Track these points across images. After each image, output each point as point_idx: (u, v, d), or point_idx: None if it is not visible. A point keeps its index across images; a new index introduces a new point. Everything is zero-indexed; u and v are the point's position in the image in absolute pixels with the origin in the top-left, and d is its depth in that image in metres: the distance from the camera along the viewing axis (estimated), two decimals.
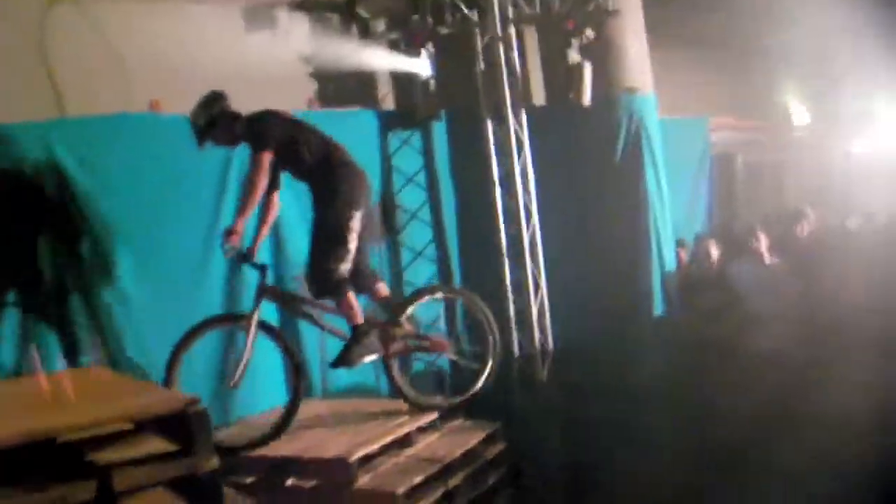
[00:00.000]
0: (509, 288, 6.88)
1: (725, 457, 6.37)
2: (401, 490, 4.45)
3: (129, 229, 5.34)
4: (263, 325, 4.97)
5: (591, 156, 7.19)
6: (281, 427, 4.90)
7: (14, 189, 5.03)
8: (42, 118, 5.27)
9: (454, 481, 4.89)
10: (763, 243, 7.09)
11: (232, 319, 5.17)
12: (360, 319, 5.07)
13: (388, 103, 7.07)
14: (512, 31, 6.82)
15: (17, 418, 2.60)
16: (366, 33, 6.72)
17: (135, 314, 5.36)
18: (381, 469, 4.76)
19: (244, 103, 5.66)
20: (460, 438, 5.27)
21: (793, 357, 6.57)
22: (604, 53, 6.95)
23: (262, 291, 4.99)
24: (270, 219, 5.24)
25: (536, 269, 6.87)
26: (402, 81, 6.84)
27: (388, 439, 4.92)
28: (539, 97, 7.57)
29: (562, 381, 6.93)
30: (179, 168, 5.53)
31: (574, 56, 6.61)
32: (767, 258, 7.09)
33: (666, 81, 8.48)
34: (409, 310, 5.38)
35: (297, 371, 5.03)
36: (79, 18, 5.62)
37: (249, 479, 4.80)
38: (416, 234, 7.00)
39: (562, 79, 6.79)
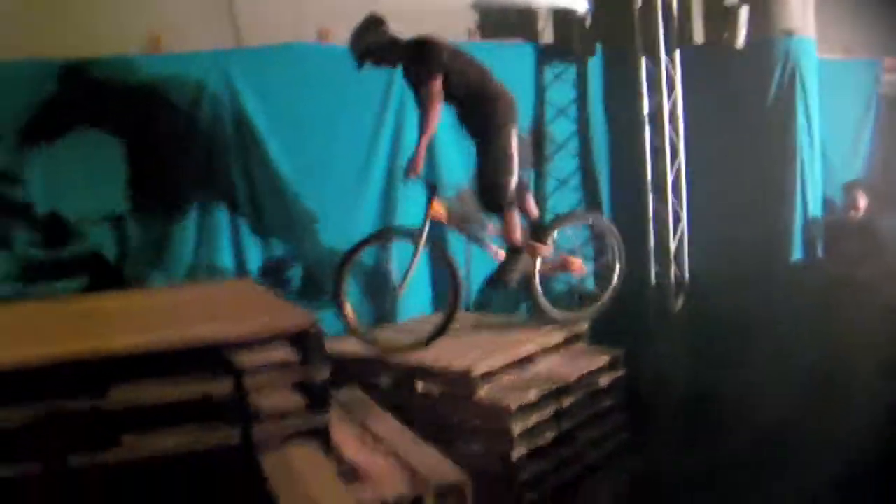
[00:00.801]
0: (651, 220, 7.17)
1: (845, 401, 6.55)
2: (514, 405, 4.83)
3: (297, 148, 5.94)
4: (430, 241, 5.41)
5: (744, 97, 7.20)
6: (435, 336, 5.34)
7: (194, 111, 5.71)
8: (221, 47, 5.84)
9: (567, 401, 5.24)
10: None
11: (405, 233, 5.51)
12: (519, 238, 5.50)
13: (547, 37, 7.26)
14: None
15: (175, 327, 3.24)
16: None
17: (301, 224, 6.03)
18: (502, 384, 5.14)
19: (408, 31, 6.14)
20: (581, 362, 5.60)
21: None
22: None
23: (431, 208, 5.39)
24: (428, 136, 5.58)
25: (679, 204, 7.13)
26: (561, 16, 7.06)
27: (511, 358, 5.31)
28: (701, 36, 7.58)
29: (694, 315, 7.18)
30: (344, 93, 6.04)
31: None
32: None
33: (842, 21, 8.32)
34: (553, 233, 5.80)
35: (455, 285, 5.39)
36: None
37: (386, 381, 5.36)
38: (564, 164, 7.31)
39: (719, 19, 6.83)
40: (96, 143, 5.52)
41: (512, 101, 5.43)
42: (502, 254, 5.60)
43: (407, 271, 5.36)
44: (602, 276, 6.21)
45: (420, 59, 5.26)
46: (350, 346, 5.49)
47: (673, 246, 7.14)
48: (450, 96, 5.33)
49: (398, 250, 5.93)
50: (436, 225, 5.45)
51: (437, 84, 5.16)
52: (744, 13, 6.68)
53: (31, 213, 5.39)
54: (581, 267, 5.95)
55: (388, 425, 4.03)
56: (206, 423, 2.97)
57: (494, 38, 6.96)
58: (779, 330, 6.91)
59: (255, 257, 5.99)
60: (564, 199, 7.28)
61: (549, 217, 6.66)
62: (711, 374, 6.95)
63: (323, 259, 6.08)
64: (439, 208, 5.44)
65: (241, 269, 5.92)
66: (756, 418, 6.41)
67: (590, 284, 6.49)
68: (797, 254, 7.26)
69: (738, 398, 6.67)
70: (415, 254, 5.32)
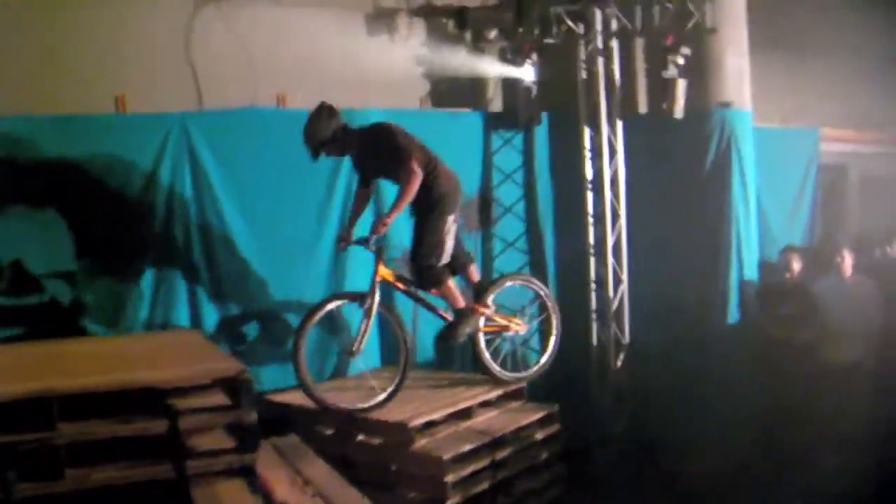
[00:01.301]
0: (593, 282, 7.62)
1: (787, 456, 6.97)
2: (447, 456, 5.20)
3: (253, 209, 6.29)
4: (381, 303, 5.79)
5: (682, 165, 7.69)
6: (393, 394, 5.71)
7: (154, 170, 6.03)
8: (182, 109, 6.21)
9: (502, 453, 5.60)
10: (847, 261, 7.40)
11: (356, 296, 5.84)
12: (462, 303, 5.91)
13: (496, 106, 7.77)
14: (614, 43, 7.46)
15: (119, 371, 3.64)
16: (477, 41, 7.42)
17: (255, 282, 6.36)
18: (439, 436, 5.52)
19: (363, 100, 6.61)
20: (517, 416, 6.02)
21: (867, 368, 7.09)
22: (701, 68, 7.46)
23: (377, 271, 5.76)
24: (363, 209, 6.11)
25: (619, 267, 7.57)
26: (509, 86, 7.54)
27: (449, 410, 5.70)
28: (643, 106, 8.13)
29: (633, 373, 7.62)
30: (299, 156, 6.38)
31: (670, 70, 7.15)
32: (849, 275, 7.40)
33: (784, 91, 8.91)
34: (492, 294, 6.19)
35: (405, 343, 5.83)
36: (219, 21, 6.46)
37: (329, 431, 5.76)
38: (510, 227, 7.76)
39: (659, 91, 7.40)
40: (62, 206, 5.81)
41: (456, 189, 5.87)
42: (448, 315, 6.00)
43: (361, 334, 5.71)
44: (545, 334, 6.64)
45: (382, 145, 5.65)
46: (296, 398, 5.85)
47: (613, 306, 7.55)
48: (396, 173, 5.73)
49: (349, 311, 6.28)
50: (385, 285, 5.84)
51: (414, 163, 5.53)
52: (681, 85, 7.16)
53: None
54: (521, 326, 6.36)
55: (319, 470, 4.40)
56: (144, 458, 3.35)
57: (444, 107, 7.44)
58: (714, 388, 7.38)
59: (210, 314, 6.26)
60: (511, 260, 7.70)
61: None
62: (650, 429, 7.43)
63: (276, 316, 6.48)
64: (386, 271, 5.84)
65: (196, 325, 6.16)
66: (690, 469, 6.88)
67: (534, 342, 6.93)
68: (733, 316, 7.67)
69: (676, 450, 7.13)
70: (367, 316, 5.69)
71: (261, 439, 3.96)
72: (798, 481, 6.59)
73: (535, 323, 6.73)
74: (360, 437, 5.66)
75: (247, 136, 6.32)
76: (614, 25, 7.39)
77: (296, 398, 5.90)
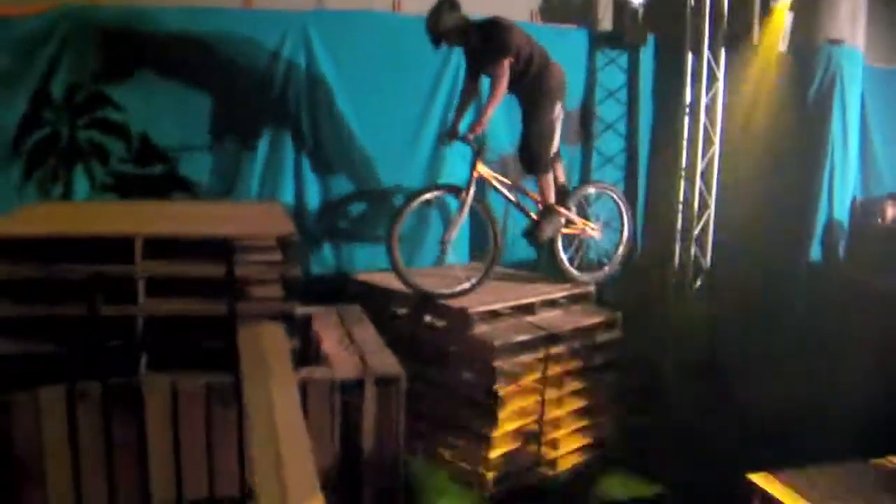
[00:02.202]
0: (680, 204, 8.07)
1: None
2: (499, 342, 5.77)
3: (362, 101, 7.12)
4: (476, 199, 6.37)
5: (785, 97, 7.98)
6: (478, 283, 6.34)
7: (274, 60, 6.93)
8: (304, 8, 7.05)
9: (556, 349, 6.16)
10: None
11: (454, 189, 6.40)
12: (552, 198, 6.57)
13: (606, 24, 8.20)
14: None
15: (197, 224, 4.60)
16: None
17: (359, 167, 7.25)
18: (498, 325, 6.13)
19: (475, 8, 7.23)
20: (579, 317, 6.55)
21: None
22: (814, 3, 7.75)
23: (476, 168, 6.33)
24: (469, 104, 6.71)
25: (707, 192, 7.95)
26: (619, 6, 8.00)
27: (511, 303, 6.33)
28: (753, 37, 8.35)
29: (710, 298, 8.06)
30: (410, 58, 7.15)
31: (779, 3, 7.50)
32: None
33: None
34: (574, 199, 6.86)
35: (495, 238, 6.46)
36: None
37: (403, 311, 6.51)
38: (610, 143, 8.30)
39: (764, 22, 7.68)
40: (187, 82, 6.79)
41: (562, 80, 6.44)
42: (535, 215, 6.64)
43: (454, 224, 6.33)
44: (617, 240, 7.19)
45: (491, 40, 6.21)
46: (381, 278, 6.67)
47: (696, 230, 7.97)
48: (515, 75, 6.28)
49: (442, 204, 7.07)
50: (480, 182, 6.40)
51: (505, 65, 6.14)
52: (788, 18, 7.49)
53: (128, 135, 6.74)
54: (596, 231, 6.97)
55: (367, 334, 5.18)
56: (205, 295, 4.31)
57: (555, 22, 7.98)
58: (790, 324, 7.76)
59: (313, 194, 7.19)
60: (608, 174, 8.25)
61: None
62: (718, 355, 7.92)
63: (375, 200, 7.35)
64: (484, 169, 6.41)
65: (300, 202, 7.14)
66: (747, 395, 7.33)
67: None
68: (816, 253, 8.04)
69: (740, 379, 7.59)
70: (461, 209, 6.26)
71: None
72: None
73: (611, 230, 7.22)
74: (428, 319, 6.35)
75: (360, 36, 7.10)
76: None
77: (380, 279, 6.66)
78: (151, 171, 6.84)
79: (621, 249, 7.12)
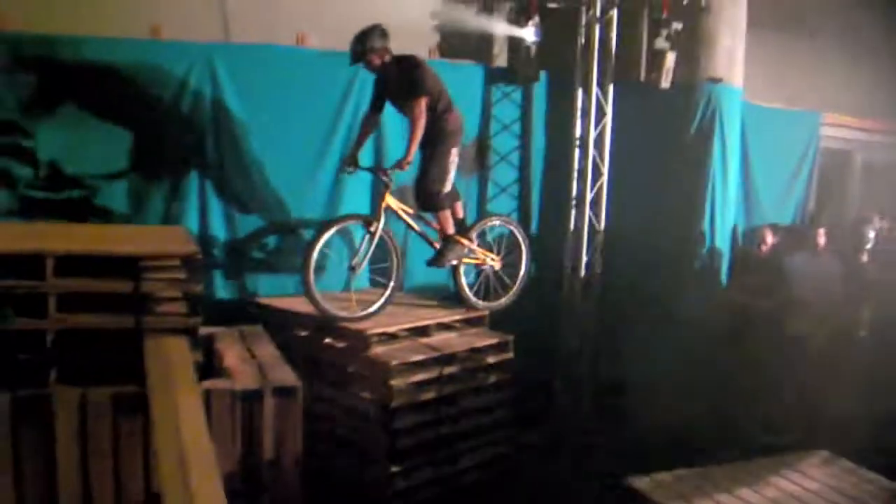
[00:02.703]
0: (570, 232, 8.68)
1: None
2: (395, 362, 6.18)
3: (265, 131, 7.37)
4: (384, 229, 6.74)
5: (667, 132, 8.61)
6: (378, 310, 6.74)
7: (180, 93, 7.17)
8: (211, 40, 7.33)
9: (450, 369, 6.57)
10: (822, 239, 8.34)
11: (364, 219, 6.84)
12: (451, 230, 6.98)
13: (502, 61, 8.76)
14: (614, 13, 8.32)
15: (105, 244, 4.95)
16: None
17: (259, 197, 7.51)
18: (394, 346, 6.53)
19: None
20: (472, 339, 6.97)
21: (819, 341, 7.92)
22: (693, 43, 8.40)
23: (384, 199, 6.74)
24: (369, 134, 7.14)
25: (596, 220, 8.55)
26: (514, 44, 8.50)
27: (407, 325, 6.74)
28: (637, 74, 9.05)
29: (600, 321, 8.68)
30: (311, 91, 7.50)
31: (661, 42, 8.12)
32: (821, 249, 8.31)
33: (792, 73, 9.75)
34: (475, 230, 7.30)
35: (398, 265, 6.89)
36: None
37: (304, 333, 6.85)
38: (505, 174, 8.78)
39: (648, 61, 8.36)
40: (96, 111, 6.98)
41: (461, 126, 6.91)
42: (437, 244, 7.04)
43: (365, 254, 6.69)
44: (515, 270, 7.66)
45: (409, 76, 6.63)
46: (281, 303, 7.07)
47: (585, 256, 8.57)
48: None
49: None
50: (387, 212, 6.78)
51: (423, 105, 6.55)
52: (670, 58, 8.11)
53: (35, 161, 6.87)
54: (496, 261, 7.47)
55: (267, 351, 5.50)
56: (113, 312, 4.65)
57: (452, 58, 8.43)
58: (677, 347, 8.30)
59: (218, 223, 7.42)
60: (502, 204, 8.75)
61: None
62: (611, 371, 8.49)
63: (280, 229, 7.66)
64: (392, 200, 6.83)
65: (203, 229, 7.35)
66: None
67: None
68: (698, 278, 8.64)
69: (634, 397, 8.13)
70: (372, 237, 6.65)
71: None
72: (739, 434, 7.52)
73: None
74: (327, 340, 6.71)
75: (264, 68, 7.38)
76: None
77: (281, 303, 7.07)
78: (66, 195, 7.03)
79: (519, 280, 7.61)
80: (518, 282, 7.63)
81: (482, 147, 8.64)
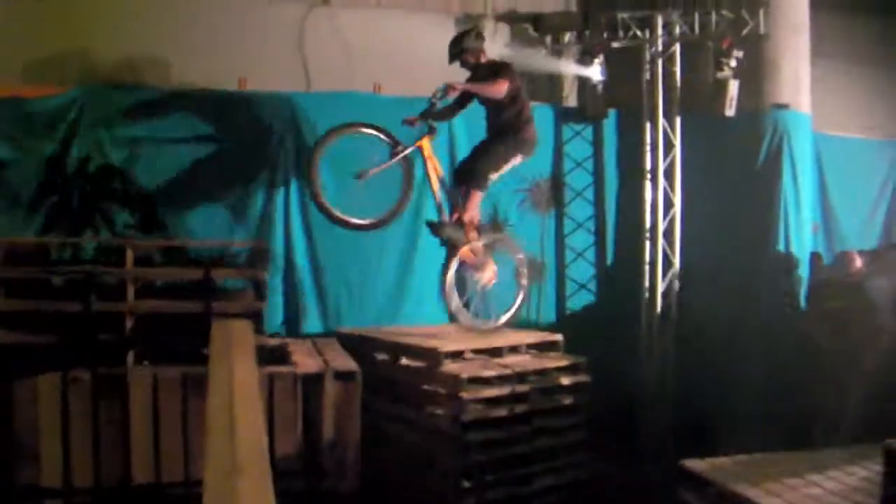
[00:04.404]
0: (647, 264, 8.87)
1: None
2: (465, 375, 6.40)
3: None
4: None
5: (735, 160, 8.79)
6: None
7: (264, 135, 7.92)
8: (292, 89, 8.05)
9: (523, 388, 6.72)
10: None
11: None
12: (468, 216, 7.12)
13: (571, 101, 9.24)
14: (676, 47, 8.71)
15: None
16: (555, 43, 8.94)
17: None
18: (466, 364, 6.76)
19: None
20: (545, 360, 7.18)
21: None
22: (755, 70, 8.63)
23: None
24: (447, 117, 7.45)
25: (670, 251, 8.78)
26: (582, 84, 8.99)
27: (480, 346, 7.01)
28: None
29: (679, 350, 8.82)
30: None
31: (724, 72, 8.41)
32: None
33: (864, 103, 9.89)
34: (488, 236, 7.44)
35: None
36: (327, 20, 8.40)
37: (382, 356, 7.19)
38: (580, 209, 9.15)
39: (712, 90, 8.62)
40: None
41: (535, 140, 7.18)
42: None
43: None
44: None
45: (497, 67, 7.02)
46: (362, 331, 7.55)
47: (662, 287, 8.78)
48: (496, 109, 7.09)
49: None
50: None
51: (503, 84, 6.82)
52: (733, 86, 8.37)
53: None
54: (493, 276, 7.41)
55: (335, 352, 6.01)
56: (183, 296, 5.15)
57: None
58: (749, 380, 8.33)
59: (302, 254, 7.93)
60: (580, 239, 9.15)
61: (569, 255, 8.97)
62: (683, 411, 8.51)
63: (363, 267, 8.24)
64: (427, 146, 7.10)
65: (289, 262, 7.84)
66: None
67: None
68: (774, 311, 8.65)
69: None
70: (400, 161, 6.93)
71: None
72: None
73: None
74: (403, 361, 7.02)
75: (343, 115, 7.95)
76: (677, 31, 8.62)
77: (360, 331, 7.55)
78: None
79: (515, 307, 7.54)
80: (513, 308, 7.54)
81: (557, 184, 9.04)
